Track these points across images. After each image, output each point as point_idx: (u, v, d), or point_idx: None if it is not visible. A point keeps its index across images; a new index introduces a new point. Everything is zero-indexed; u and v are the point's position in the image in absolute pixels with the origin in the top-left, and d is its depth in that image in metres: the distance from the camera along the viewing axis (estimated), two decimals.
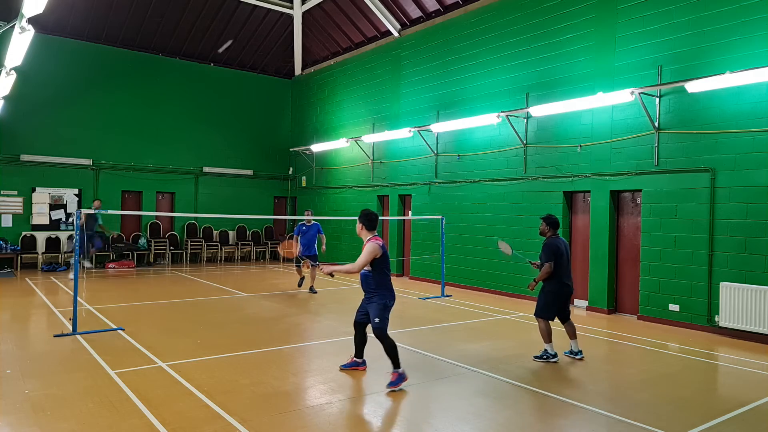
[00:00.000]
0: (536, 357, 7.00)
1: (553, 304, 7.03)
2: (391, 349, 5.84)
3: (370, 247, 5.79)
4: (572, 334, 7.14)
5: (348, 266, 5.87)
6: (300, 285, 12.70)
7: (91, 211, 10.78)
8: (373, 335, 5.96)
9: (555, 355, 6.94)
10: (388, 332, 5.92)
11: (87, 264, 14.49)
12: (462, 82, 13.36)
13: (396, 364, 5.83)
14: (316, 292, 12.22)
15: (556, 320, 7.20)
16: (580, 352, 7.10)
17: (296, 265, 12.78)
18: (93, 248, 14.54)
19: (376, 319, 5.87)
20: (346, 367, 6.42)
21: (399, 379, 5.78)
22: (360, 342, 6.37)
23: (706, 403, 5.60)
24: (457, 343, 7.84)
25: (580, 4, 10.86)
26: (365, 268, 5.89)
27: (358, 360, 6.44)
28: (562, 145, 11.14)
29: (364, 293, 6.15)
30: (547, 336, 6.98)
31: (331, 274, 5.94)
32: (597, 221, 10.60)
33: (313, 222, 12.34)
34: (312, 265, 12.13)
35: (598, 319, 9.86)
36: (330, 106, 18.63)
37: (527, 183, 11.79)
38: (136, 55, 17.61)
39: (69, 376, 5.98)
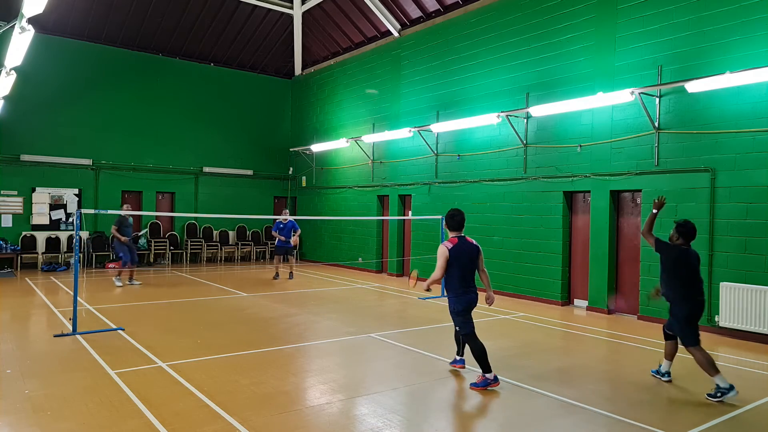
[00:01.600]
0: (709, 395, 5.63)
1: (696, 326, 5.87)
2: (478, 354, 5.87)
3: (439, 251, 5.94)
4: (670, 354, 6.21)
5: (432, 275, 5.95)
6: (276, 278, 14.20)
7: (123, 212, 11.34)
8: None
9: (731, 388, 5.53)
10: (475, 335, 6.01)
11: (136, 282, 12.86)
12: (462, 82, 13.36)
13: (484, 368, 5.83)
14: (292, 278, 14.51)
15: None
16: (668, 374, 6.21)
17: (279, 257, 14.48)
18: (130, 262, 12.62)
19: (456, 327, 6.12)
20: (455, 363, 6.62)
21: (483, 383, 5.80)
22: (455, 339, 6.62)
23: (706, 403, 5.60)
24: None
25: (580, 4, 10.85)
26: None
27: (457, 357, 6.64)
28: (562, 145, 11.14)
29: None
30: (711, 367, 5.63)
31: (428, 289, 6.08)
32: (597, 221, 10.60)
33: (288, 220, 14.16)
34: (290, 256, 14.45)
35: (598, 319, 9.86)
36: (330, 106, 18.63)
37: (527, 183, 11.79)
38: (136, 55, 17.61)
39: (69, 376, 5.98)
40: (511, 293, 12.03)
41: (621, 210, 10.54)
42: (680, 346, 6.09)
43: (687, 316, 5.85)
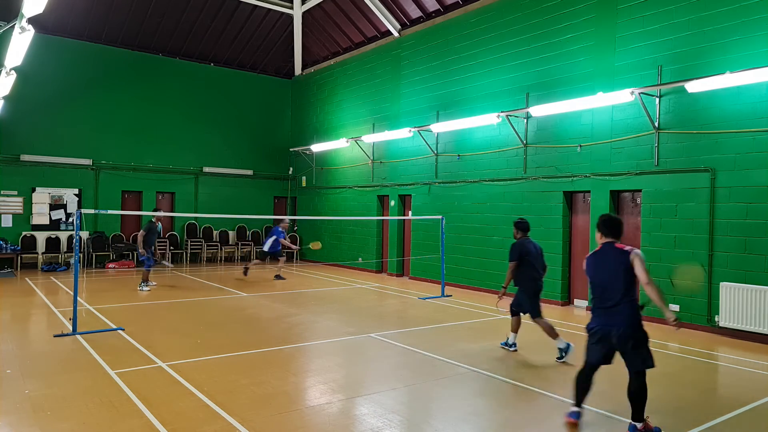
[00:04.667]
0: (558, 359, 6.94)
1: (536, 301, 7.28)
2: (639, 395, 4.56)
3: (642, 255, 4.67)
4: (515, 328, 7.49)
5: (658, 296, 4.56)
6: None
7: (155, 215, 11.63)
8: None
9: (568, 346, 6.95)
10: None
11: (152, 284, 12.48)
12: (462, 82, 13.36)
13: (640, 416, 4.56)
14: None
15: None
16: (515, 345, 7.47)
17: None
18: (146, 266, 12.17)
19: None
20: (575, 417, 4.65)
21: None
22: (587, 389, 4.77)
23: (706, 403, 5.60)
24: (457, 343, 7.84)
25: (580, 4, 10.85)
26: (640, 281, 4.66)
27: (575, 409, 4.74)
28: (562, 145, 11.14)
29: (606, 316, 4.66)
30: (552, 332, 7.06)
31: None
32: (597, 221, 10.58)
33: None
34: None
35: None
36: (330, 106, 18.63)
37: (527, 183, 11.79)
38: (136, 55, 17.61)
39: (69, 376, 5.98)
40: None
41: (621, 210, 10.54)
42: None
43: (535, 292, 7.26)
